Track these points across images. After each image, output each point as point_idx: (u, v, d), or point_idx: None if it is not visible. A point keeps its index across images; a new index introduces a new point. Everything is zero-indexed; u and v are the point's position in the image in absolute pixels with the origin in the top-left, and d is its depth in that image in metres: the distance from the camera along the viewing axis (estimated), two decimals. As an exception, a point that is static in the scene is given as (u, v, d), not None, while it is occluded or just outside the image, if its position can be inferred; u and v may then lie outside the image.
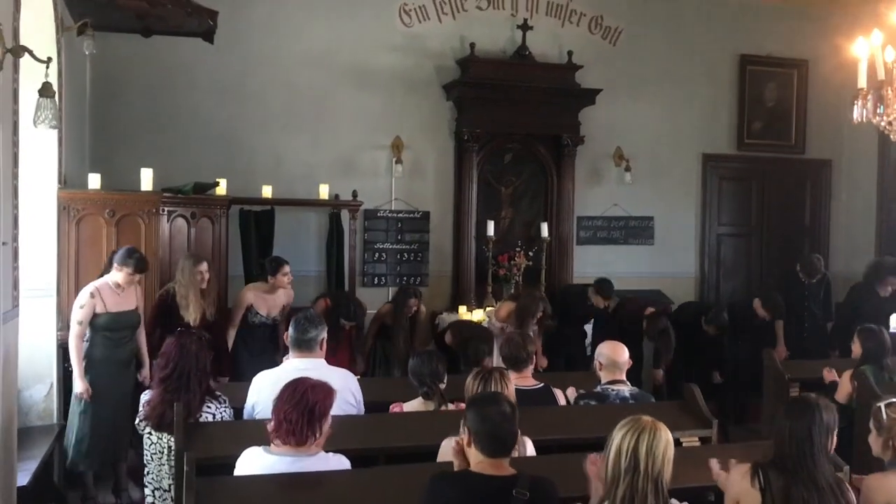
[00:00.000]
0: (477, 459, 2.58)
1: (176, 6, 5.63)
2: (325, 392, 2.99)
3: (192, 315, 5.20)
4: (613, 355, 4.22)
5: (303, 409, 2.84)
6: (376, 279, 7.72)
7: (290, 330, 3.82)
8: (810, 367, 5.41)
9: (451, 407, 3.84)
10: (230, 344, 5.74)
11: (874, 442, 3.11)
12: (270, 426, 2.94)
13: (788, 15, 8.61)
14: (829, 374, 4.90)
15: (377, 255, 7.72)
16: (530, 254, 7.71)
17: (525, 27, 7.85)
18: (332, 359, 4.13)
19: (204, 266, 5.29)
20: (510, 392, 3.32)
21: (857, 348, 4.88)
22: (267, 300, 5.89)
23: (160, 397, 3.68)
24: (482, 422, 2.58)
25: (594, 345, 6.63)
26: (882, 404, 3.11)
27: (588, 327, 7.01)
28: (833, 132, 8.82)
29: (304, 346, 3.77)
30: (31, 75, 4.03)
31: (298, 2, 7.42)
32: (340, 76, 7.56)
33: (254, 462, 2.90)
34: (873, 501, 2.91)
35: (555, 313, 6.62)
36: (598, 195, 8.23)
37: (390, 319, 6.45)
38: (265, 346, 5.87)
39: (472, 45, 7.68)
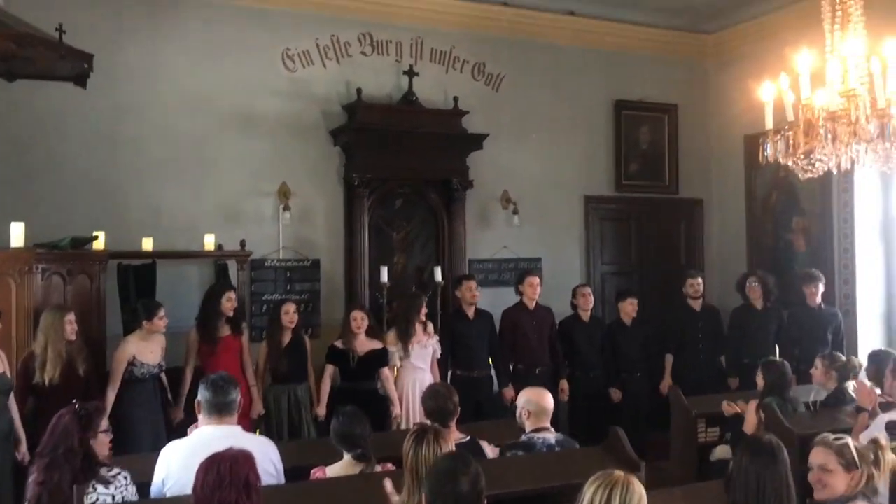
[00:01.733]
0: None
1: (48, 49, 5.22)
2: (250, 460, 2.76)
3: (48, 372, 4.82)
4: (540, 402, 4.16)
5: (239, 485, 2.58)
6: (264, 333, 7.35)
7: (205, 392, 3.51)
8: (711, 400, 5.55)
9: (378, 468, 3.64)
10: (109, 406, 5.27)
11: (839, 479, 3.08)
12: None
13: (657, 62, 9.07)
14: (730, 408, 5.02)
15: (265, 307, 7.38)
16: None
17: (411, 73, 7.85)
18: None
19: (71, 316, 4.94)
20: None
21: (760, 380, 5.05)
22: (148, 347, 5.52)
23: (34, 478, 3.34)
24: (436, 498, 2.45)
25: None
26: (838, 442, 3.12)
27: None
28: (702, 172, 9.31)
29: (223, 410, 3.48)
30: None
31: (176, 45, 7.09)
32: (222, 122, 7.26)
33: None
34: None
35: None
36: (489, 238, 8.27)
37: (268, 343, 6.20)
38: (157, 401, 5.47)
39: (359, 91, 7.59)
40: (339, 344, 6.20)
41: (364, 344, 6.16)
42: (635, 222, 9.18)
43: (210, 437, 3.37)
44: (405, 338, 6.35)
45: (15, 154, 6.46)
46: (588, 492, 2.41)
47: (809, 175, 4.00)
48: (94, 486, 3.28)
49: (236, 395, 3.57)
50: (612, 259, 9.08)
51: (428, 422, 3.79)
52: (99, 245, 5.89)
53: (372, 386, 6.18)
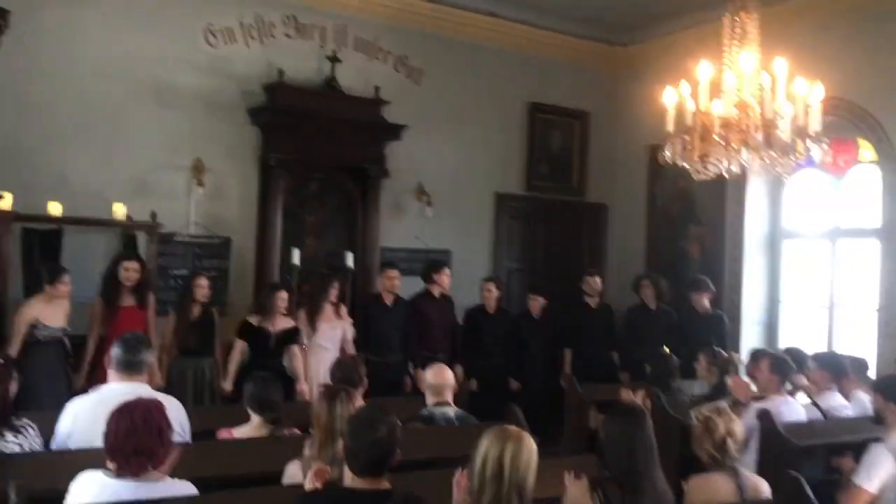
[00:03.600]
0: (349, 476, 2.55)
1: (-40, 0, 5.10)
2: (161, 409, 2.84)
3: None
4: (435, 379, 4.35)
5: (153, 432, 2.65)
6: (169, 307, 7.30)
7: (116, 350, 3.54)
8: (606, 389, 5.87)
9: (285, 433, 3.74)
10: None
11: (699, 450, 3.39)
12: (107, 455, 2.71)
13: (572, 69, 9.43)
14: (627, 395, 5.35)
15: (173, 281, 7.32)
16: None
17: (334, 59, 7.92)
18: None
19: None
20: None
21: (649, 371, 5.39)
22: (51, 310, 5.43)
23: None
24: (354, 441, 2.57)
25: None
26: (693, 411, 3.45)
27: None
28: (608, 178, 9.72)
29: (133, 368, 3.51)
30: None
31: (94, 9, 6.95)
32: (138, 91, 7.16)
33: (93, 489, 2.65)
34: (693, 502, 3.21)
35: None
36: (401, 228, 8.41)
37: (177, 318, 6.21)
38: (59, 365, 5.39)
39: (281, 72, 7.62)
40: (253, 321, 6.23)
41: (279, 322, 6.23)
42: (543, 222, 9.49)
43: (118, 392, 3.39)
44: (313, 316, 6.43)
45: (-84, 107, 6.23)
46: (482, 445, 2.59)
47: (703, 177, 4.33)
48: (2, 432, 3.28)
49: (145, 355, 3.61)
50: (519, 256, 9.37)
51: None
52: (4, 206, 5.74)
53: (280, 364, 6.25)
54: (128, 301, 6.00)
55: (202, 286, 6.15)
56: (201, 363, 6.17)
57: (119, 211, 6.71)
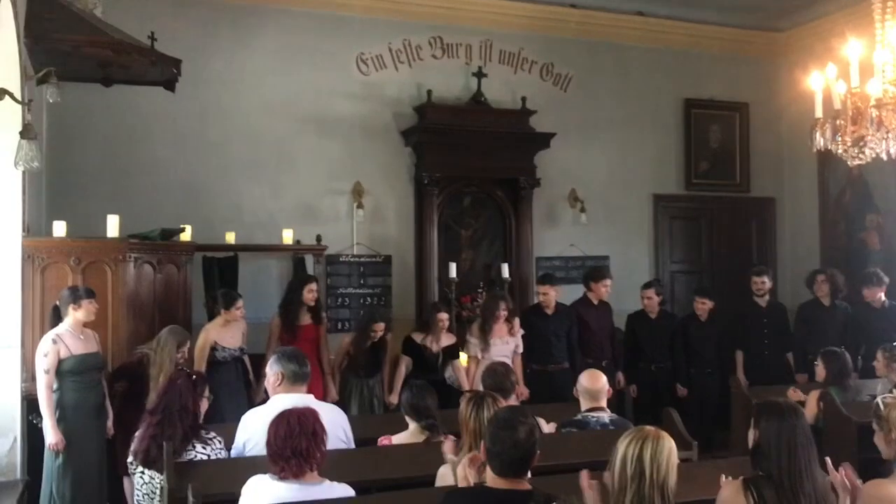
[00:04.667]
0: (491, 476, 2.62)
1: (140, 55, 5.64)
2: (315, 414, 3.03)
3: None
4: (590, 384, 4.32)
5: (308, 434, 2.85)
6: (339, 324, 7.70)
7: (284, 364, 3.79)
8: (776, 391, 5.56)
9: (441, 439, 3.86)
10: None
11: (879, 441, 3.18)
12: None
13: (728, 61, 9.08)
14: (796, 395, 5.07)
15: (340, 299, 7.72)
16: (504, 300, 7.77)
17: (479, 74, 8.08)
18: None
19: (188, 346, 5.23)
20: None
21: (820, 371, 5.07)
22: (227, 333, 5.86)
23: (144, 432, 3.68)
24: (495, 443, 2.63)
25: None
26: (879, 398, 3.22)
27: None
28: (775, 171, 9.24)
29: (300, 379, 3.76)
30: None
31: (258, 51, 7.51)
32: (300, 124, 7.64)
33: (261, 490, 2.88)
34: (867, 506, 2.97)
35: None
36: (555, 236, 8.41)
37: (353, 347, 6.44)
38: (239, 382, 5.81)
39: (429, 93, 7.86)
40: (416, 338, 6.44)
41: (442, 339, 6.43)
42: (706, 221, 9.17)
43: (287, 403, 3.62)
44: (484, 335, 6.46)
45: (111, 153, 6.98)
46: (621, 446, 2.57)
47: (858, 162, 4.04)
48: (193, 444, 3.63)
49: (309, 369, 3.84)
50: (682, 258, 9.10)
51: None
52: (186, 237, 6.30)
53: (441, 377, 6.43)
54: (305, 320, 6.36)
55: (377, 331, 6.34)
56: (370, 380, 6.43)
57: (288, 236, 7.16)
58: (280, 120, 7.56)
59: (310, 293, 6.35)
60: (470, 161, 7.96)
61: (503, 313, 6.43)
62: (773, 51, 9.25)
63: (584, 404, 4.32)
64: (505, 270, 7.83)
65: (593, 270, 7.48)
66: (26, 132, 3.78)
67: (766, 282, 7.34)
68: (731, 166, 9.23)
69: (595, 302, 7.13)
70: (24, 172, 4.72)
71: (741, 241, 9.21)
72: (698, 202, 9.09)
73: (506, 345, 6.57)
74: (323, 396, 6.23)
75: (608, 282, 7.11)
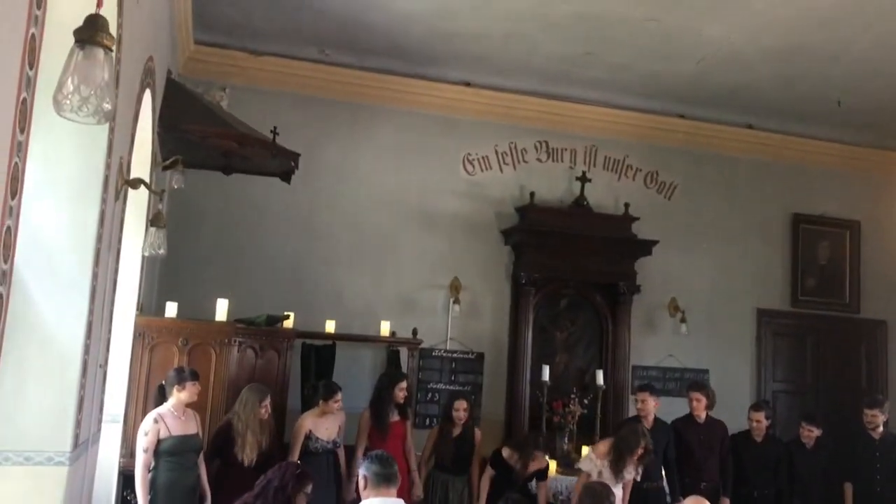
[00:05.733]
0: None
1: (263, 148, 5.92)
2: None
3: (247, 454, 5.17)
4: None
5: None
6: (428, 420, 7.64)
7: (371, 466, 3.76)
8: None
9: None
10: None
11: None
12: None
13: (839, 176, 8.89)
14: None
15: (430, 395, 7.69)
16: (585, 401, 7.62)
17: (583, 179, 8.13)
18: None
19: (267, 401, 5.31)
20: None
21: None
22: (323, 424, 5.85)
23: None
24: None
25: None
26: None
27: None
28: (887, 292, 8.86)
29: (384, 480, 3.71)
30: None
31: (370, 147, 7.79)
32: (405, 218, 7.82)
33: None
34: None
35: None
36: (653, 345, 8.22)
37: (438, 435, 6.29)
38: (329, 475, 5.77)
39: (532, 194, 7.95)
40: (505, 454, 6.21)
41: (532, 465, 6.21)
42: (812, 340, 8.81)
43: (376, 505, 3.60)
44: (617, 469, 5.71)
45: (224, 237, 7.28)
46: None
47: None
48: None
49: (395, 469, 3.80)
50: (786, 377, 8.72)
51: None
52: (289, 324, 6.43)
53: (529, 492, 6.24)
54: (393, 416, 6.34)
55: (458, 409, 6.24)
56: (455, 480, 6.29)
57: (385, 327, 7.24)
58: (385, 213, 7.76)
59: (400, 391, 6.32)
60: (569, 263, 7.93)
61: (641, 452, 5.72)
62: (885, 169, 9.01)
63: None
64: (600, 377, 7.66)
65: (692, 382, 7.19)
66: (156, 220, 3.98)
67: (879, 415, 6.91)
68: (840, 285, 8.91)
69: (700, 419, 6.78)
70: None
71: (849, 364, 8.79)
72: (804, 320, 8.77)
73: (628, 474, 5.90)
74: (408, 493, 6.16)
75: (694, 395, 6.71)
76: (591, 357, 8.07)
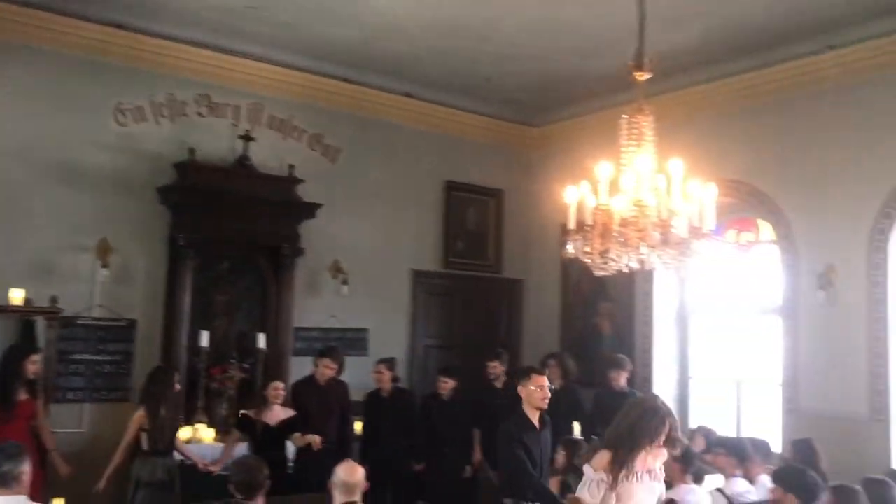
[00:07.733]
0: None
1: None
2: None
3: None
4: (349, 476, 4.21)
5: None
6: (70, 393, 6.99)
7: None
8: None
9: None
10: None
11: None
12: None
13: (486, 147, 9.64)
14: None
15: (72, 366, 7.01)
16: (245, 366, 7.51)
17: (247, 137, 7.87)
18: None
19: None
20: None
21: (560, 458, 5.36)
22: None
23: None
24: None
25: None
26: None
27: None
28: (524, 255, 9.87)
29: (14, 480, 3.31)
30: None
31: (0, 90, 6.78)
32: (41, 172, 6.94)
33: None
34: None
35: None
36: (316, 306, 8.29)
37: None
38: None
39: (192, 150, 7.52)
40: (250, 413, 6.06)
41: (277, 414, 6.09)
42: (460, 298, 9.52)
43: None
44: (621, 464, 3.80)
45: None
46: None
47: (602, 272, 4.43)
48: None
49: (11, 466, 3.41)
50: (437, 332, 9.33)
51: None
52: None
53: (282, 455, 6.21)
54: (21, 394, 5.71)
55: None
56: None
57: (17, 296, 6.41)
58: (17, 166, 6.82)
59: (33, 365, 5.73)
60: (232, 225, 7.63)
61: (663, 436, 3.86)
62: (527, 144, 9.96)
63: (339, 498, 4.17)
64: (261, 341, 7.58)
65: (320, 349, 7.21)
66: None
67: (497, 366, 7.70)
68: (485, 248, 9.73)
69: (321, 381, 6.83)
70: None
71: (491, 320, 9.66)
72: (454, 280, 9.43)
73: (649, 493, 3.95)
74: (48, 478, 5.65)
75: (325, 361, 6.83)
76: (254, 321, 7.92)
